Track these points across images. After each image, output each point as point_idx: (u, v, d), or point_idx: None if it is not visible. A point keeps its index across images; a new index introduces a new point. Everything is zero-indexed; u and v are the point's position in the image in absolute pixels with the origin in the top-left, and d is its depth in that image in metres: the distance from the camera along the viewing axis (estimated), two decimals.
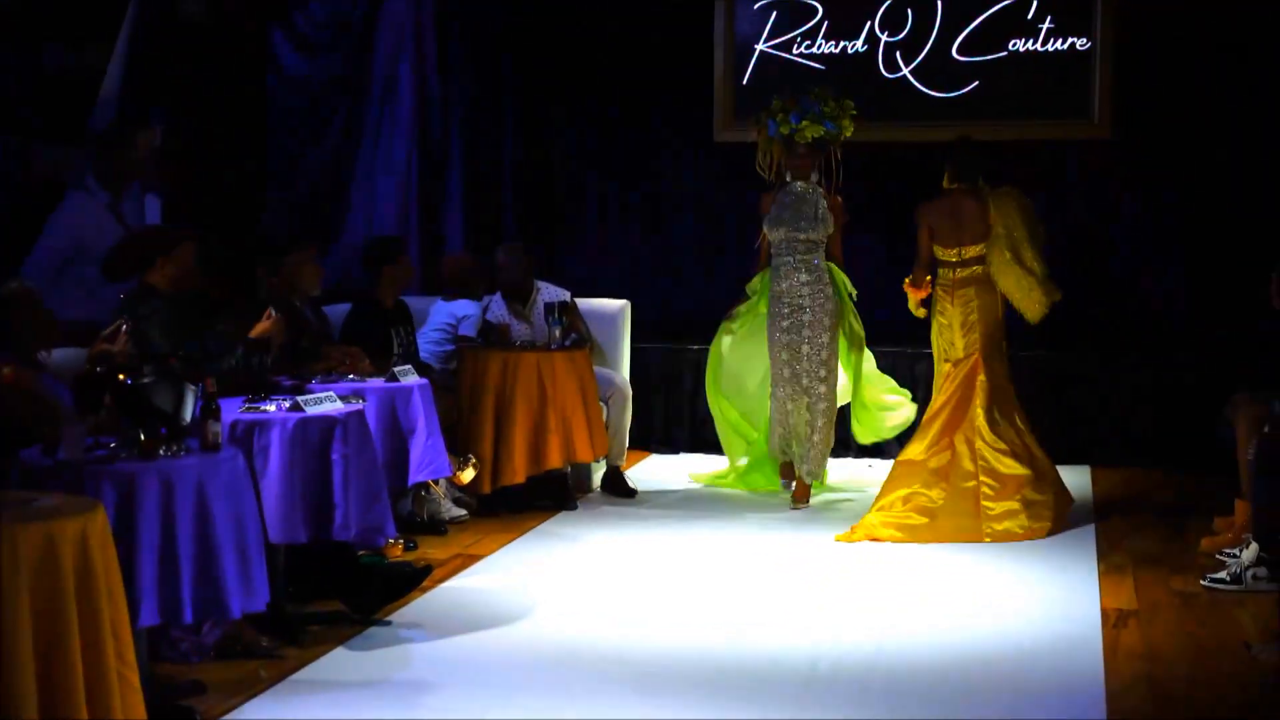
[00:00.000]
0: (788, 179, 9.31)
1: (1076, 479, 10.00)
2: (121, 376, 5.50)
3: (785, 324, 9.22)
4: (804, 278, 9.20)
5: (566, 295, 9.57)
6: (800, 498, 9.28)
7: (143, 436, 5.37)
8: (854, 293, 9.47)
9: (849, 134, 9.29)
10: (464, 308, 9.55)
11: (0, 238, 9.07)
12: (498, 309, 9.49)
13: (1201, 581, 7.38)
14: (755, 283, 9.62)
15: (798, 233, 9.20)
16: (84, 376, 5.91)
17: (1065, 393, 10.66)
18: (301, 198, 11.59)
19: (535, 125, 12.25)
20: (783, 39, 11.70)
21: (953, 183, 8.82)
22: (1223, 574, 7.35)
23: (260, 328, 7.02)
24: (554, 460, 8.95)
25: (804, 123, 9.12)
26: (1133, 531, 8.59)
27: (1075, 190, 11.56)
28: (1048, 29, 11.32)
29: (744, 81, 11.76)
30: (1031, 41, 11.36)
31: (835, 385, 9.32)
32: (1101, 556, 7.96)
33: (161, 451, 5.39)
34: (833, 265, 9.34)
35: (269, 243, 8.52)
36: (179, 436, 5.50)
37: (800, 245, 9.21)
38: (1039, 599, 7.17)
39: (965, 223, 8.70)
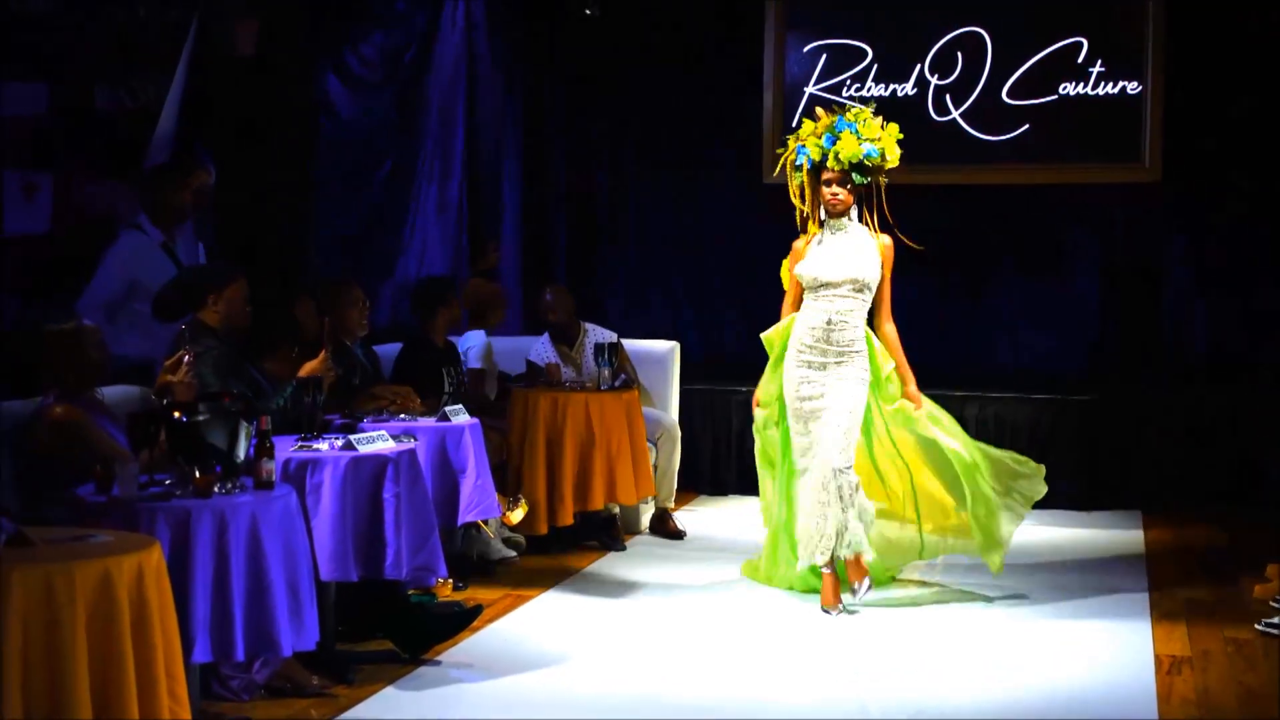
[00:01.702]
0: (823, 217, 7.76)
1: (1127, 526, 9.96)
2: (177, 414, 5.52)
3: (805, 374, 7.64)
4: (835, 337, 7.61)
5: (614, 336, 9.58)
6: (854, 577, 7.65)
7: (197, 474, 5.39)
8: (887, 371, 7.83)
9: (895, 162, 7.70)
10: (470, 338, 9.57)
11: (54, 276, 9.14)
12: (544, 350, 9.51)
13: (1256, 627, 7.32)
14: (774, 335, 7.97)
15: (835, 278, 7.61)
16: (139, 414, 5.93)
17: (1115, 437, 10.60)
18: (351, 237, 11.64)
19: (586, 165, 12.30)
20: (832, 81, 11.72)
21: None
22: (1276, 620, 7.28)
23: (309, 366, 7.03)
24: (598, 501, 8.94)
25: (838, 145, 7.61)
26: (1185, 578, 8.52)
27: (1124, 234, 11.53)
28: (1098, 73, 11.32)
29: (793, 124, 11.75)
30: (1082, 85, 11.35)
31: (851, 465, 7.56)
32: (1154, 603, 7.89)
33: (216, 489, 5.41)
34: (870, 335, 7.75)
35: (317, 282, 8.57)
36: (233, 474, 5.52)
37: (836, 295, 7.62)
38: (1091, 647, 7.10)
39: None
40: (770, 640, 7.26)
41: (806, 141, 7.73)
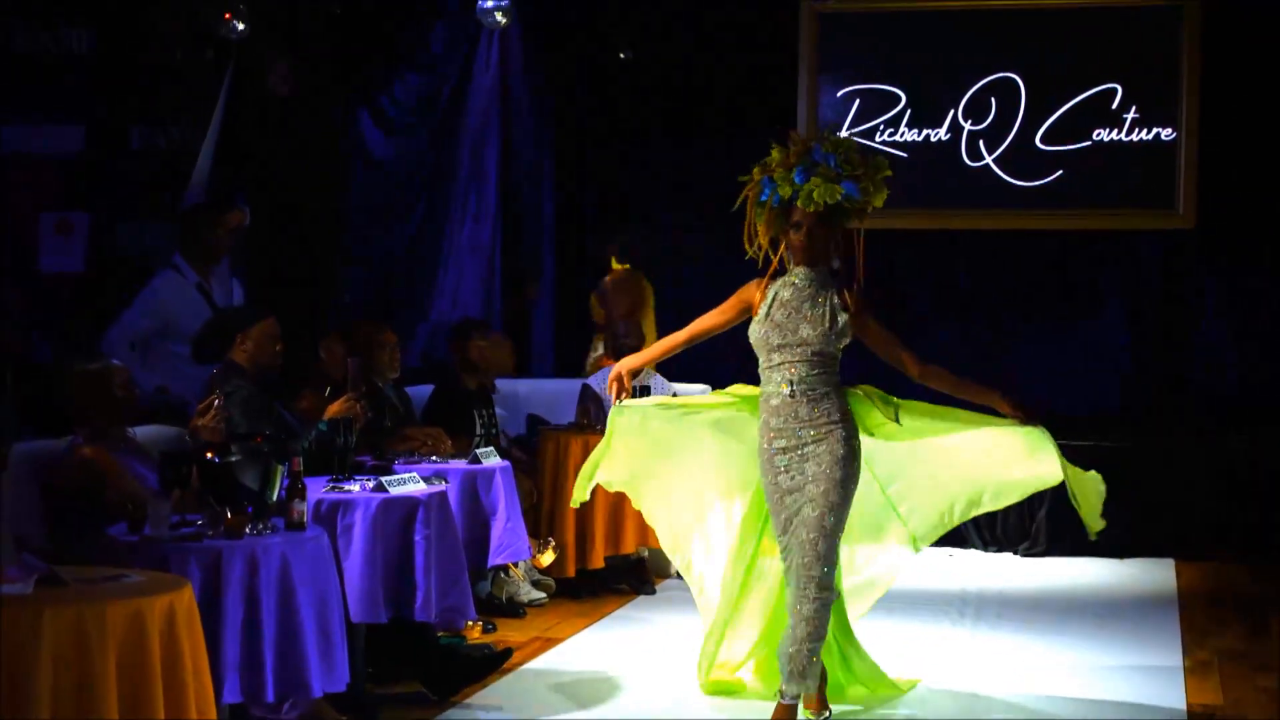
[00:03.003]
0: (788, 265, 6.34)
1: (1160, 572, 9.90)
2: (209, 454, 5.54)
3: (781, 463, 6.25)
4: (804, 411, 6.19)
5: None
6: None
7: (229, 514, 5.40)
8: (884, 425, 6.49)
9: (878, 204, 6.32)
10: None
11: (89, 315, 9.19)
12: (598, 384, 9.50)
13: None
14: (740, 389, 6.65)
15: (794, 341, 6.19)
16: (171, 453, 5.95)
17: (1147, 484, 10.53)
18: (384, 277, 11.69)
19: (620, 207, 12.31)
20: (865, 126, 11.73)
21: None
22: None
23: (334, 408, 7.03)
24: (629, 545, 8.94)
25: (812, 181, 6.14)
26: (1217, 626, 8.46)
27: (1158, 280, 11.50)
28: (1132, 119, 11.31)
29: None
30: (1116, 131, 11.35)
31: (834, 574, 6.27)
32: (1186, 652, 7.84)
33: (247, 530, 5.42)
34: (856, 392, 6.41)
35: (348, 323, 8.58)
36: (265, 515, 5.53)
37: (797, 362, 6.19)
38: (1123, 695, 7.05)
39: None
40: None
41: (775, 174, 6.28)
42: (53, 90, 9.80)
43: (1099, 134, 11.39)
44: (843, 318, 6.19)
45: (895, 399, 6.43)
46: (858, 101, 11.76)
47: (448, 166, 11.82)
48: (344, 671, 5.62)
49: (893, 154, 11.66)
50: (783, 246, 6.30)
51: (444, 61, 11.65)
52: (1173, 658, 7.72)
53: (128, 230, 9.70)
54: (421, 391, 9.03)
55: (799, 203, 6.18)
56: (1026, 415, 6.44)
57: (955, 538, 10.44)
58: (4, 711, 4.12)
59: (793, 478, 6.17)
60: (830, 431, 6.15)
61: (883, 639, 8.04)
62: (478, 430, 8.42)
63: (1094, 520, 6.71)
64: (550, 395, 10.14)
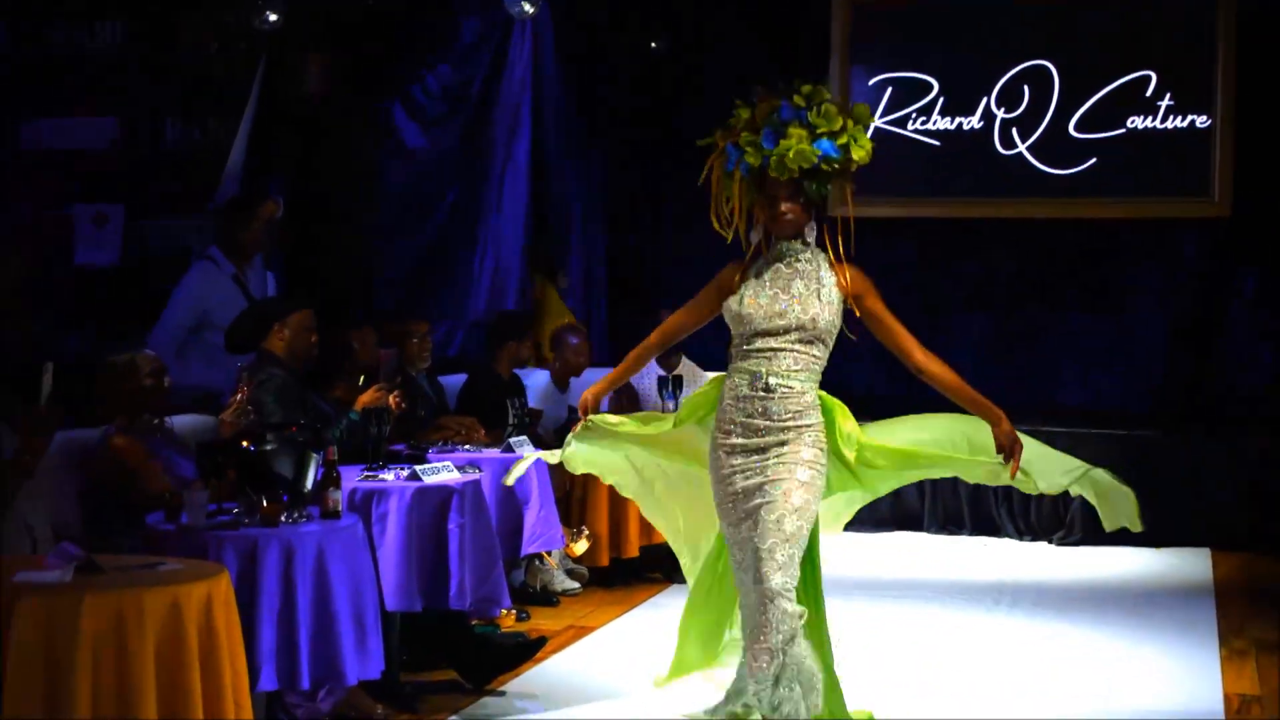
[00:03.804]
0: (754, 238, 5.63)
1: (1196, 562, 9.87)
2: (245, 443, 5.56)
3: (737, 463, 5.49)
4: (774, 408, 5.42)
5: (707, 378, 9.29)
6: None
7: (265, 503, 5.43)
8: (852, 436, 5.67)
9: (865, 159, 5.50)
10: (534, 376, 9.56)
11: (123, 307, 9.24)
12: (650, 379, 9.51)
13: None
14: (695, 402, 5.84)
15: (774, 325, 5.44)
16: (207, 443, 5.98)
17: (1182, 474, 10.50)
18: (417, 267, 11.70)
19: (652, 199, 12.31)
20: (898, 115, 11.70)
21: None
22: None
23: (364, 398, 7.05)
24: (661, 534, 8.92)
25: (783, 144, 5.38)
26: (1254, 615, 8.42)
27: (1192, 269, 11.45)
28: (1167, 106, 11.26)
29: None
30: (1150, 119, 11.29)
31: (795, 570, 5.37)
32: (1222, 641, 7.81)
33: (283, 518, 5.44)
34: (828, 398, 5.62)
35: (380, 313, 8.61)
36: (300, 503, 5.56)
37: (775, 349, 5.44)
38: (1160, 685, 7.03)
39: None
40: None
41: (740, 139, 5.52)
42: (88, 85, 9.87)
43: (1133, 122, 11.34)
44: (837, 296, 5.47)
45: (859, 427, 5.64)
46: (890, 90, 11.73)
47: (480, 157, 11.82)
48: (379, 659, 5.65)
49: (925, 142, 11.65)
50: (760, 221, 5.56)
51: (475, 52, 11.65)
52: (1209, 647, 7.69)
53: (162, 223, 9.75)
54: (454, 381, 9.05)
55: (771, 171, 5.40)
56: (1010, 455, 5.50)
57: (990, 527, 10.46)
58: (44, 697, 4.15)
59: (749, 477, 5.43)
60: (800, 434, 5.41)
61: (917, 627, 8.05)
62: (510, 419, 8.43)
63: (1132, 522, 5.74)
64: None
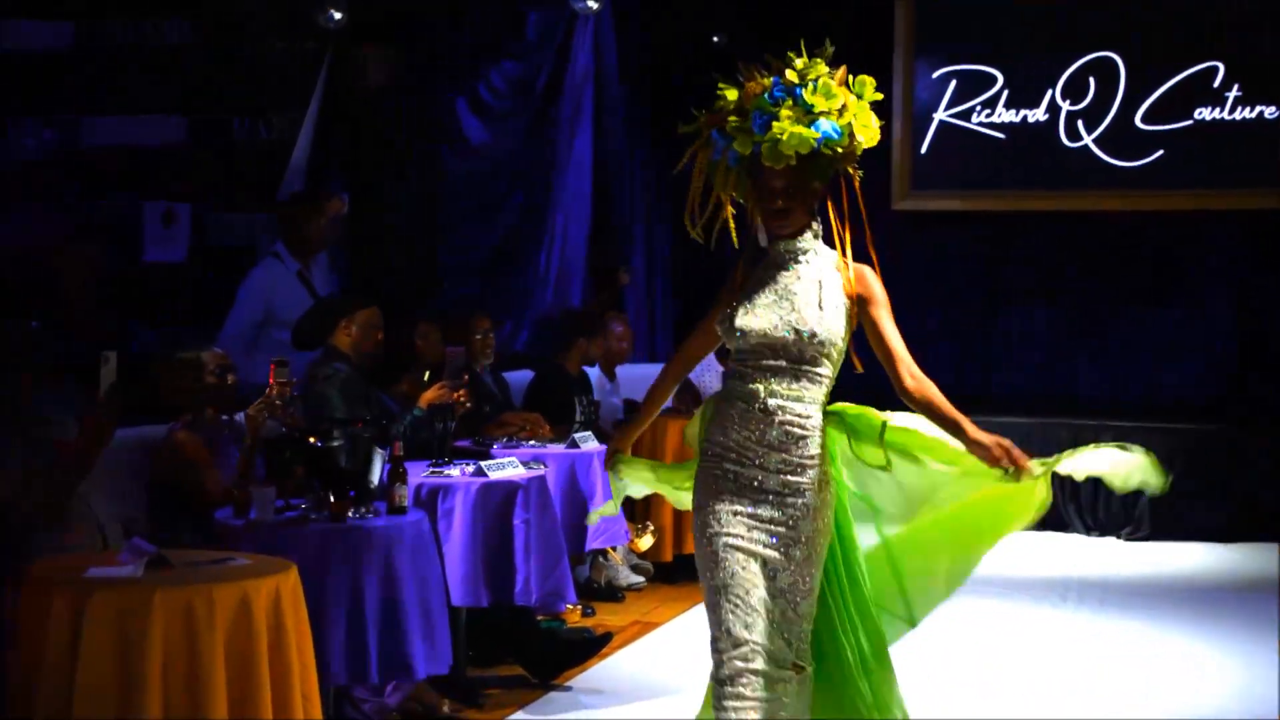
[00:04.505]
0: (760, 240, 4.74)
1: (1264, 557, 9.78)
2: (312, 439, 5.59)
3: (723, 509, 4.56)
4: (773, 434, 4.53)
5: None
6: None
7: (332, 499, 5.45)
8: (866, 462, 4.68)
9: (871, 141, 4.66)
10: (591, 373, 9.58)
11: (191, 304, 9.30)
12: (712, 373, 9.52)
13: None
14: (699, 426, 4.82)
15: (775, 346, 4.55)
16: (274, 440, 6.01)
17: (1254, 469, 10.40)
18: (482, 264, 11.73)
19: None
20: (962, 107, 11.65)
21: None
22: None
23: (427, 396, 7.06)
24: None
25: (776, 128, 4.55)
26: None
27: (1260, 261, 11.34)
28: (1235, 97, 11.16)
29: (922, 150, 11.71)
30: (1218, 110, 11.20)
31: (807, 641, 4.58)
32: None
33: (350, 514, 5.47)
34: (844, 409, 4.67)
35: (444, 310, 8.63)
36: (367, 499, 5.58)
37: (780, 373, 4.56)
38: (1216, 684, 6.98)
39: None
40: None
41: (727, 126, 4.71)
42: (155, 82, 9.94)
43: (1200, 113, 11.25)
44: (844, 302, 4.61)
45: (889, 429, 4.64)
46: (954, 82, 11.68)
47: (544, 153, 11.84)
48: (446, 654, 5.67)
49: (990, 135, 11.58)
50: (754, 219, 4.75)
51: (539, 47, 11.66)
52: (1268, 645, 7.61)
53: (229, 220, 9.81)
54: (518, 377, 9.06)
55: (764, 160, 4.58)
56: (1011, 460, 4.38)
57: (1057, 522, 10.39)
58: (116, 692, 4.18)
59: (736, 539, 4.52)
60: (804, 471, 4.53)
61: (982, 624, 8.01)
62: (578, 416, 8.45)
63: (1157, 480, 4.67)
64: (645, 380, 10.13)
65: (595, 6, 10.68)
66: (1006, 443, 4.40)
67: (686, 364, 5.15)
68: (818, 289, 4.58)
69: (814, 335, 4.53)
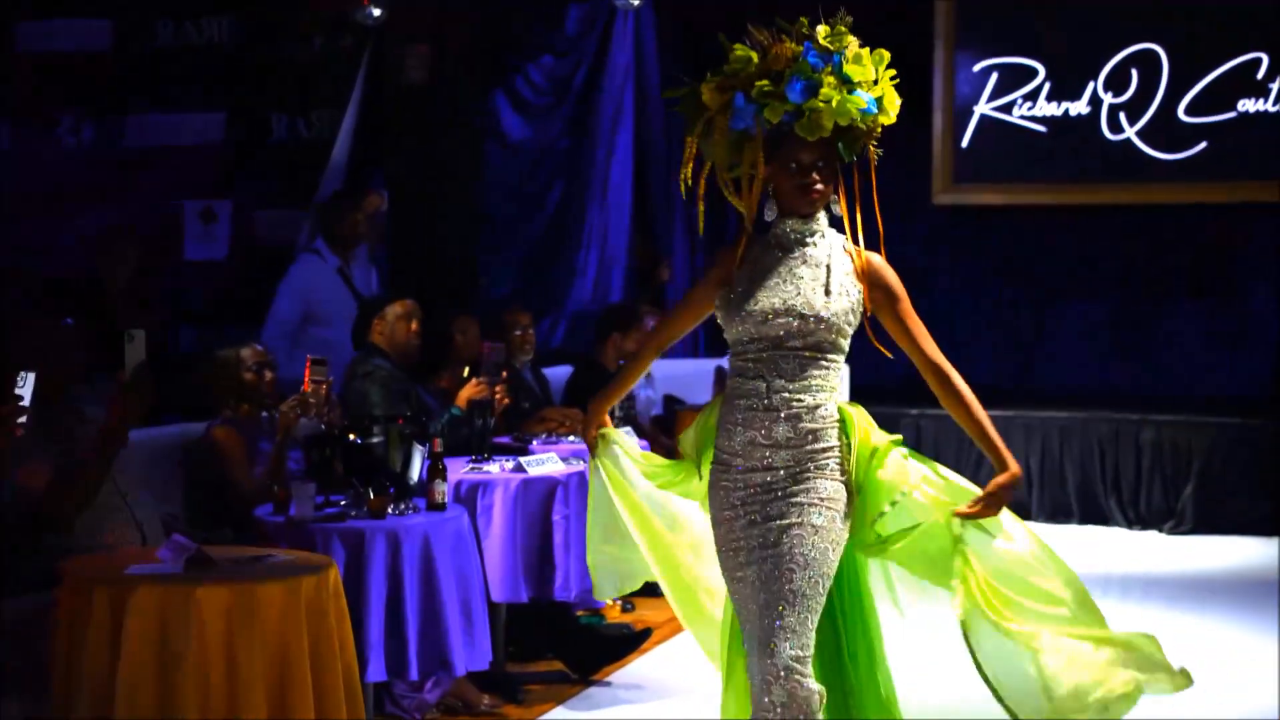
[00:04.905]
0: (769, 216, 4.42)
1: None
2: (352, 436, 5.61)
3: (739, 499, 4.30)
4: (781, 430, 4.25)
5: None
6: None
7: (372, 495, 5.46)
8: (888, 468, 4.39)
9: (890, 119, 4.45)
10: None
11: (232, 301, 9.33)
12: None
13: None
14: (694, 434, 4.64)
15: (781, 333, 4.28)
16: (314, 437, 6.02)
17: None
18: (522, 259, 11.74)
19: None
20: (1003, 101, 11.60)
21: None
22: None
23: (465, 393, 7.05)
24: None
25: (821, 95, 4.26)
26: None
27: None
28: (1279, 89, 11.07)
29: (963, 144, 11.66)
30: (1262, 101, 11.12)
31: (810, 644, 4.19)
32: None
33: (390, 510, 5.48)
34: (846, 411, 4.36)
35: (483, 306, 8.64)
36: (406, 495, 5.60)
37: (785, 360, 4.28)
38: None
39: None
40: (913, 662, 7.18)
41: (752, 92, 4.38)
42: (195, 80, 9.97)
43: (1244, 105, 11.17)
44: (855, 290, 4.35)
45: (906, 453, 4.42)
46: (995, 75, 11.62)
47: (584, 149, 11.84)
48: (486, 650, 5.68)
49: (1031, 129, 11.52)
50: (754, 193, 4.42)
51: (579, 43, 11.66)
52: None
53: (269, 217, 9.84)
54: (558, 373, 9.07)
55: (799, 129, 4.26)
56: (992, 501, 4.19)
57: (1099, 516, 10.33)
58: (157, 688, 4.20)
59: (754, 522, 4.25)
60: (819, 463, 4.26)
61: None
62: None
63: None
64: (685, 375, 10.13)
65: (635, 2, 10.67)
66: (1005, 492, 4.19)
67: (664, 342, 4.83)
68: (825, 272, 4.32)
69: (820, 319, 4.25)
